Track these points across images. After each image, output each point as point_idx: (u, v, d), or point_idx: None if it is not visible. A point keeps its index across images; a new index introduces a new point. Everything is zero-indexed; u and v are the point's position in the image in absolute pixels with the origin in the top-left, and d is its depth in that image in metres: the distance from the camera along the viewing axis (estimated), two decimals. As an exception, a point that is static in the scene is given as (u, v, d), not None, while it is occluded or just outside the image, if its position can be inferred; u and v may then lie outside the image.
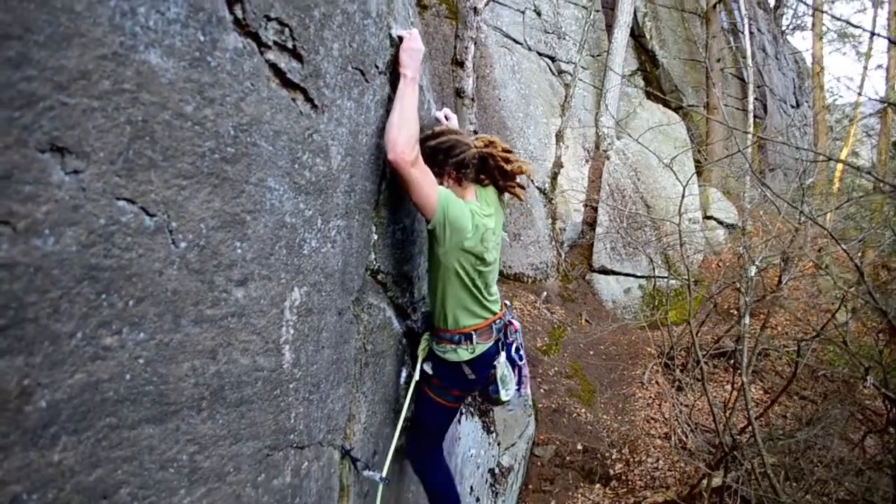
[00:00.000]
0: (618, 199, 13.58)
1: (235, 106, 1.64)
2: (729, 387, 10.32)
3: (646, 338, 11.31)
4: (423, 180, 2.57)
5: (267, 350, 1.94)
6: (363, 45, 2.30)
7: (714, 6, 17.22)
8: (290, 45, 1.84)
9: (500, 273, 11.28)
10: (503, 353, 3.10)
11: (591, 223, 13.53)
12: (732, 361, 10.63)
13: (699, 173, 14.53)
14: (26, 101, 1.11)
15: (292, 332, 2.08)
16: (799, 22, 28.41)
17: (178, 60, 1.43)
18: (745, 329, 7.21)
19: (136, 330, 1.42)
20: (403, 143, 2.44)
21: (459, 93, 8.57)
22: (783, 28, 27.78)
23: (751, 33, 18.48)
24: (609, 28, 15.63)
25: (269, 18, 1.73)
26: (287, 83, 1.87)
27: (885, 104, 15.49)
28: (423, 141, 2.83)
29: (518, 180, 3.12)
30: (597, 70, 15.15)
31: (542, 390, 9.84)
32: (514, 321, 3.22)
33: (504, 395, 3.12)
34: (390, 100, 2.63)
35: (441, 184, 2.82)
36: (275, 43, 1.78)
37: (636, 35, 17.34)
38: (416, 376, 3.13)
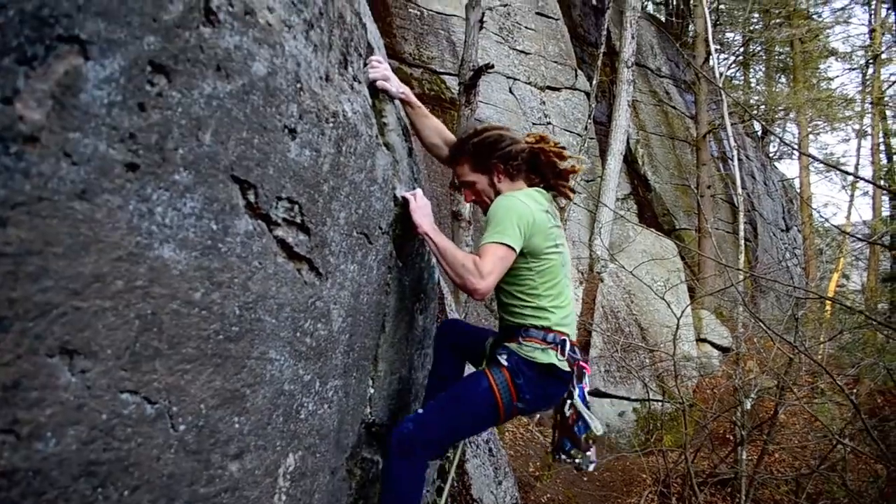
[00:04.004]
0: (612, 322, 13.60)
1: (243, 286, 1.67)
2: (727, 518, 10.04)
3: (640, 464, 11.07)
4: (498, 268, 2.56)
5: (258, 521, 1.90)
6: (369, 210, 2.37)
7: (704, 136, 17.83)
8: (298, 220, 1.90)
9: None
10: (577, 391, 2.83)
11: (584, 346, 13.49)
12: (730, 489, 10.39)
13: (691, 296, 14.63)
14: (41, 312, 1.14)
15: (284, 499, 2.04)
16: (786, 150, 29.34)
17: (191, 251, 1.47)
18: (742, 467, 7.08)
19: (129, 519, 1.40)
20: (472, 283, 2.49)
21: (456, 216, 8.73)
22: (770, 155, 28.67)
23: (739, 160, 19.05)
24: (603, 154, 16.12)
25: (279, 198, 1.79)
26: (293, 256, 1.91)
27: (869, 242, 15.80)
28: (466, 140, 2.85)
29: (570, 180, 3.02)
30: (591, 194, 15.50)
31: (534, 519, 9.54)
32: (586, 366, 2.93)
33: (595, 429, 2.80)
34: (392, 256, 2.68)
35: (492, 181, 2.85)
36: (284, 220, 1.83)
37: (629, 161, 17.86)
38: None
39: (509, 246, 2.57)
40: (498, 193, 2.85)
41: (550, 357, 2.69)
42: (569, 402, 2.84)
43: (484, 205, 2.91)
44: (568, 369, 2.74)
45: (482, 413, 2.68)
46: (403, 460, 2.54)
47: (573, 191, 3.03)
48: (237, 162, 1.60)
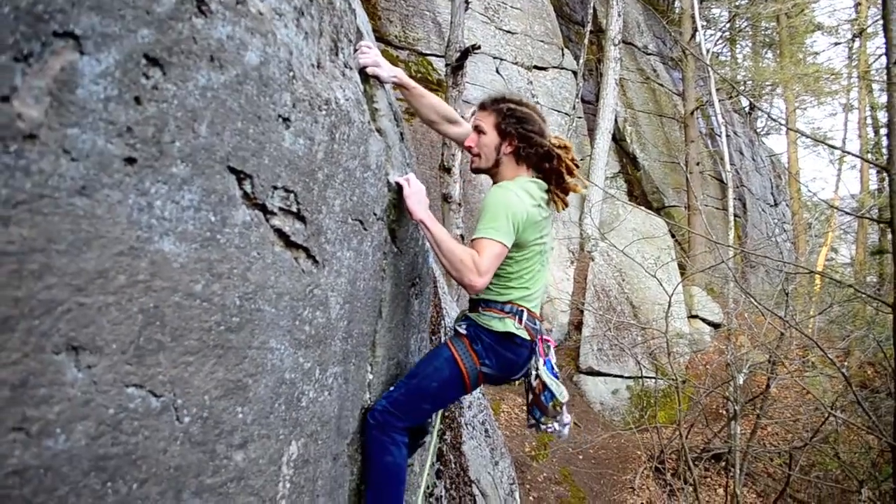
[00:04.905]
0: (603, 301, 13.67)
1: (242, 277, 1.68)
2: (722, 490, 10.17)
3: (635, 441, 11.18)
4: (493, 264, 2.63)
5: (263, 509, 1.91)
6: (363, 196, 2.37)
7: (692, 112, 17.84)
8: (294, 208, 1.90)
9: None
10: (542, 361, 2.94)
11: (577, 325, 13.57)
12: (724, 463, 10.52)
13: (682, 273, 14.71)
14: (46, 309, 1.14)
15: (289, 486, 2.05)
16: (773, 125, 29.39)
17: (190, 244, 1.47)
18: (735, 442, 7.16)
19: (138, 512, 1.41)
20: (469, 280, 2.56)
21: (447, 198, 8.73)
22: (758, 130, 28.72)
23: (727, 136, 19.09)
24: (591, 133, 16.13)
25: (275, 188, 1.79)
26: (290, 244, 1.92)
27: (857, 216, 15.90)
28: (507, 100, 2.90)
29: (567, 194, 3.06)
30: (580, 173, 15.49)
31: (531, 498, 9.63)
32: (551, 339, 3.07)
33: (561, 396, 2.92)
34: (387, 242, 2.69)
35: (500, 146, 2.88)
36: (280, 209, 1.84)
37: (617, 139, 17.88)
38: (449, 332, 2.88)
39: (504, 244, 2.64)
40: (497, 161, 2.91)
41: (507, 325, 2.79)
42: (534, 373, 2.95)
43: (475, 159, 2.96)
44: (527, 337, 2.84)
45: (446, 378, 2.78)
46: (381, 434, 2.67)
47: (566, 204, 3.07)
48: (233, 152, 1.60)
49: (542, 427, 3.06)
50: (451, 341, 2.85)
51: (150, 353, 1.39)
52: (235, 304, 1.66)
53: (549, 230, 2.96)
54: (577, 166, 3.02)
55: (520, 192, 2.78)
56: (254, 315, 1.75)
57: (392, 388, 2.79)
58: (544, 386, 2.94)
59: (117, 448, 1.33)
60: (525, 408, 3.13)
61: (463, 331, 2.85)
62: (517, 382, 3.10)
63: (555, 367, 3.03)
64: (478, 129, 2.92)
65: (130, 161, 1.30)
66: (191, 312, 1.50)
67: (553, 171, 2.95)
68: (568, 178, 2.98)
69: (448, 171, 8.62)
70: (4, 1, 1.03)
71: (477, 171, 2.99)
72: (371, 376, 2.72)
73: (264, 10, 1.72)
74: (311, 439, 2.17)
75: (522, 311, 2.83)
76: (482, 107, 2.96)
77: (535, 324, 2.89)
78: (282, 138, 1.81)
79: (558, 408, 2.99)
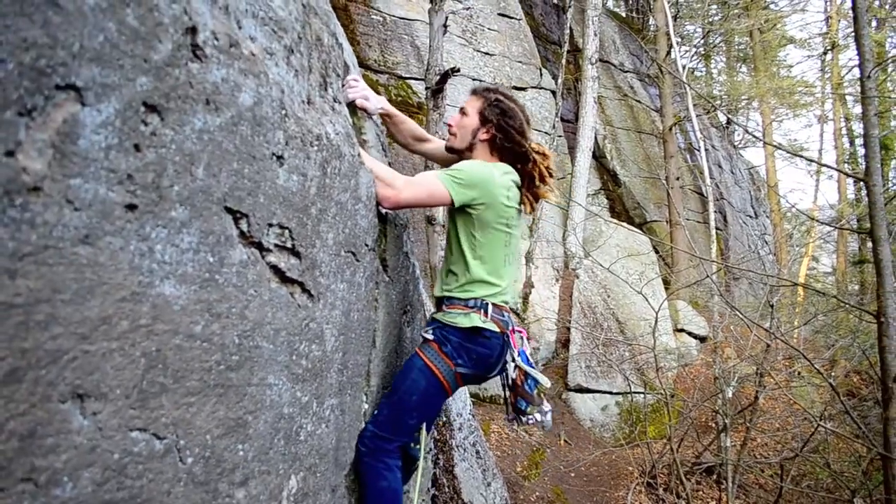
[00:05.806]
0: (589, 318, 13.70)
1: (240, 315, 1.69)
2: (714, 503, 10.18)
3: (626, 456, 11.17)
4: (421, 192, 2.71)
5: (265, 545, 1.91)
6: (355, 228, 2.39)
7: (670, 128, 18.02)
8: (289, 244, 1.92)
9: (475, 396, 11.22)
10: (517, 352, 2.94)
11: (564, 342, 13.58)
12: (716, 476, 10.54)
13: (667, 287, 14.79)
14: (52, 359, 1.15)
15: (289, 521, 2.05)
16: (750, 139, 29.74)
17: (190, 285, 1.48)
18: (726, 454, 7.18)
19: (142, 555, 1.41)
20: (384, 194, 2.66)
21: (430, 220, 8.76)
22: (736, 144, 29.05)
23: (706, 151, 19.29)
24: (571, 151, 16.25)
25: (271, 225, 1.81)
26: (286, 280, 1.93)
27: (836, 227, 16.11)
28: (497, 91, 3.00)
29: (536, 199, 3.08)
30: (562, 191, 15.61)
31: (524, 518, 9.58)
32: (522, 330, 3.08)
33: (544, 382, 2.93)
34: (378, 272, 2.71)
35: (477, 131, 2.94)
36: (275, 246, 1.85)
37: (597, 157, 18.02)
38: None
39: (450, 194, 2.70)
40: (472, 145, 2.97)
41: (473, 320, 2.77)
42: (512, 365, 2.95)
43: (451, 138, 3.03)
44: (496, 329, 2.81)
45: (424, 388, 2.75)
46: (373, 460, 2.67)
47: (533, 208, 3.08)
48: (229, 193, 1.62)
49: (525, 419, 3.05)
50: (421, 349, 2.81)
51: (153, 395, 1.40)
52: (234, 342, 1.67)
53: (516, 222, 2.96)
54: (552, 175, 3.05)
55: (497, 172, 2.83)
56: (252, 352, 1.76)
57: (376, 412, 2.76)
58: (525, 375, 2.95)
59: (123, 492, 1.33)
60: (506, 406, 3.11)
61: (430, 336, 2.81)
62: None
63: (529, 357, 3.03)
64: (462, 111, 2.99)
65: (131, 207, 1.31)
66: (191, 353, 1.51)
67: (527, 174, 2.98)
68: (539, 184, 3.01)
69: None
70: (9, 57, 1.05)
71: (450, 150, 3.04)
72: (366, 406, 2.73)
73: (256, 51, 1.75)
74: (310, 472, 2.17)
75: (487, 304, 2.80)
76: (473, 92, 3.04)
77: (503, 316, 2.87)
78: (276, 176, 1.83)
79: (542, 395, 3.00)
